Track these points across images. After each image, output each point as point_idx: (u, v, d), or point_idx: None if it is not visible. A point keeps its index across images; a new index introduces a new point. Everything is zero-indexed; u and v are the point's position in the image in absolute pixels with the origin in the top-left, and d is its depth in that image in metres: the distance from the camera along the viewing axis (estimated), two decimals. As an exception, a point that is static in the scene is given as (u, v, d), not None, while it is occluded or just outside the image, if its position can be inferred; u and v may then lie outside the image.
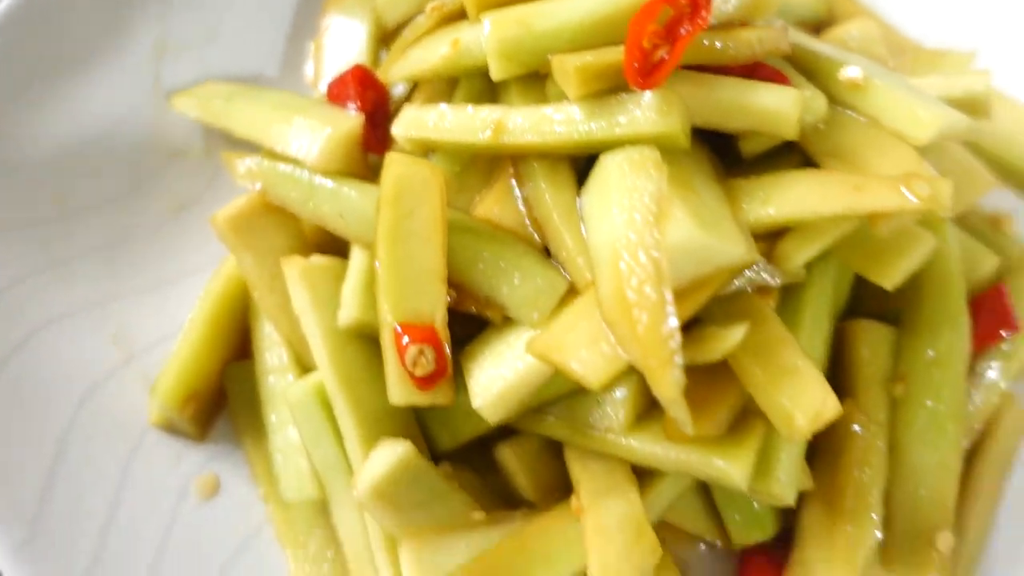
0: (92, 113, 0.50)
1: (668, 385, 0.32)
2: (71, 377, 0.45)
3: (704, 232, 0.35)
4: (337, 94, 0.46)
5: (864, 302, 0.47)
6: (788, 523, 0.45)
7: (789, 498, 0.39)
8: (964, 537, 0.45)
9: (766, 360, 0.37)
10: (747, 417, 0.39)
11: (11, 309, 0.45)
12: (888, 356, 0.45)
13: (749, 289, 0.41)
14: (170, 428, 0.45)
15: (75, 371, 0.46)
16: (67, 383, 0.45)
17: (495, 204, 0.42)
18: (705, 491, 0.46)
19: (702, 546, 0.47)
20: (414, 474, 0.40)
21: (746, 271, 0.41)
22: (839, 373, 0.46)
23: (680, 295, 0.37)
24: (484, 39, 0.41)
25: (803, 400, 0.35)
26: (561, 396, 0.42)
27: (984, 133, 0.51)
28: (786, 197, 0.37)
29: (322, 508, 0.45)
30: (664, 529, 0.46)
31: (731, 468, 0.38)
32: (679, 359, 0.33)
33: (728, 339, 0.36)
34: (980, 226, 0.52)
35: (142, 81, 0.51)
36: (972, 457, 0.47)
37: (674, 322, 0.33)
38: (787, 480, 0.39)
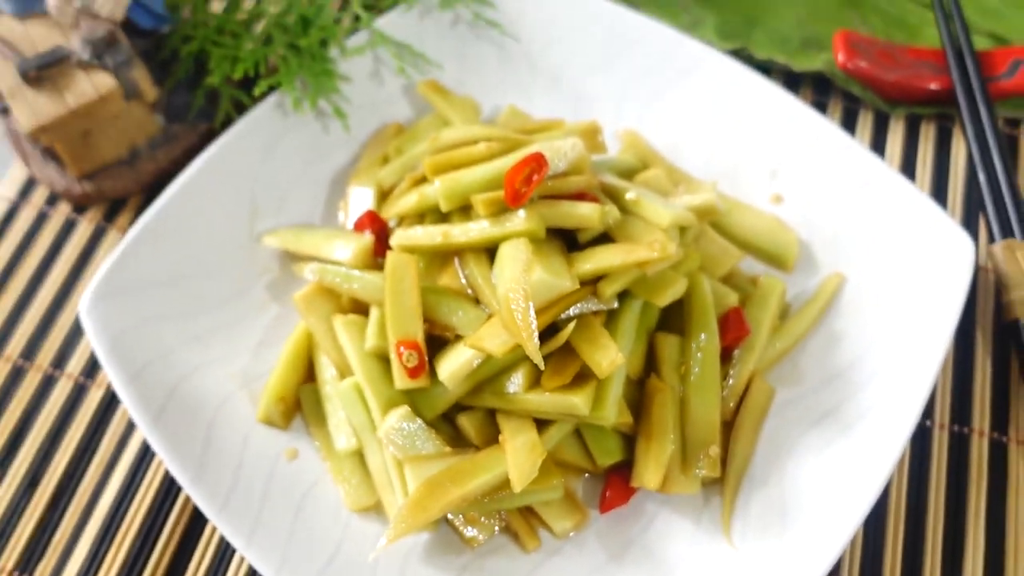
0: (218, 250, 0.76)
1: (531, 347, 0.62)
2: (211, 396, 0.70)
3: (549, 275, 0.63)
4: (358, 227, 0.75)
5: (669, 325, 0.73)
6: (631, 455, 0.72)
7: (611, 419, 0.65)
8: (733, 462, 0.69)
9: (591, 344, 0.64)
10: (586, 377, 0.65)
11: (171, 365, 0.70)
12: (677, 351, 0.70)
13: (587, 312, 0.73)
14: (268, 422, 0.71)
15: (213, 394, 0.70)
16: (210, 399, 0.70)
17: (448, 278, 0.70)
18: (580, 438, 0.70)
19: (585, 475, 0.71)
20: (409, 423, 0.67)
21: (581, 302, 0.71)
22: (652, 363, 0.71)
23: (541, 310, 0.67)
24: (436, 191, 0.72)
25: (606, 356, 0.63)
26: (490, 377, 0.67)
27: (731, 225, 0.79)
28: (596, 258, 0.66)
29: (359, 458, 0.69)
30: (559, 464, 0.70)
31: (578, 401, 0.63)
32: (536, 336, 0.62)
33: (567, 331, 0.65)
34: (743, 283, 0.78)
35: (243, 230, 0.78)
36: (738, 409, 0.71)
37: (533, 317, 0.63)
38: (611, 409, 0.65)
